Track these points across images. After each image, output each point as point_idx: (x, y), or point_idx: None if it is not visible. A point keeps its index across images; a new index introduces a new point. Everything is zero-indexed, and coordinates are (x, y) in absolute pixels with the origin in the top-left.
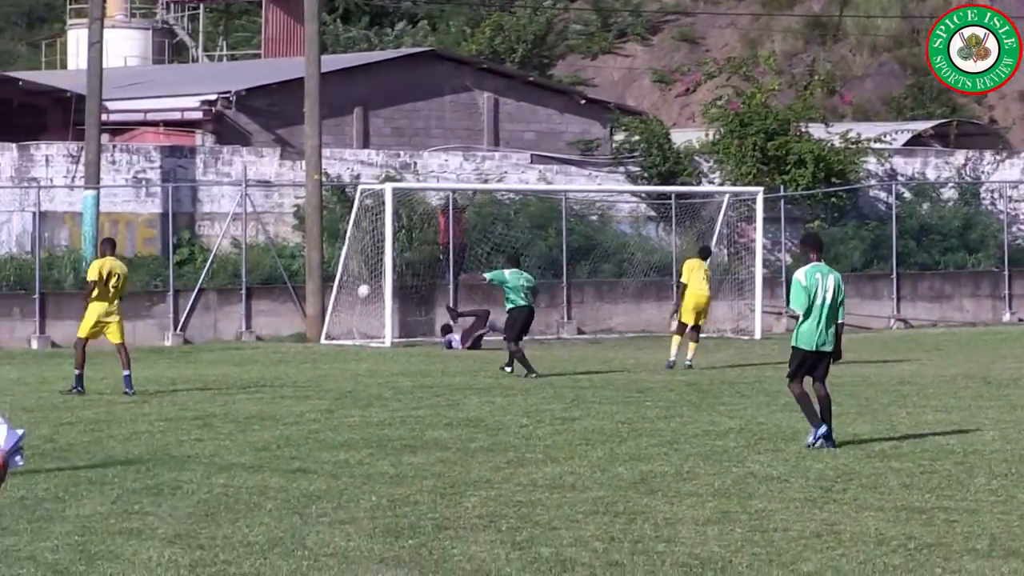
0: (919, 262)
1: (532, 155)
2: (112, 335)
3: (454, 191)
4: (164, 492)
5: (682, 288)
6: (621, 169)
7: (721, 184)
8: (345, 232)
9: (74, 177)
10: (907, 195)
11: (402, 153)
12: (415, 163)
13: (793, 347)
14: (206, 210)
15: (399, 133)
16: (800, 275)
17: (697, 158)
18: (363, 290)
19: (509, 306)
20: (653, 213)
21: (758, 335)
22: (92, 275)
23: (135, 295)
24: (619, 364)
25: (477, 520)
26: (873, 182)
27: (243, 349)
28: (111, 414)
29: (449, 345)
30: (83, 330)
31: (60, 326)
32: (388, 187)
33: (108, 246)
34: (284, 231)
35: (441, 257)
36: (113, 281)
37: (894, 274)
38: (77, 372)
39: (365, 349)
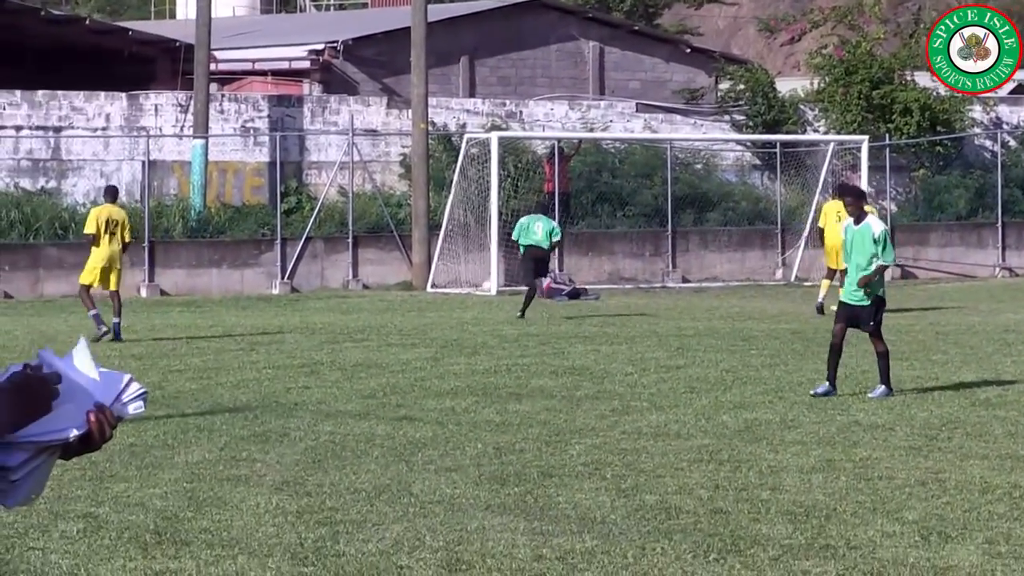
0: None
1: (637, 104)
2: (110, 283)
3: (559, 140)
4: (271, 439)
5: (820, 233)
6: (726, 118)
7: (826, 133)
8: (451, 181)
9: (183, 126)
10: (1012, 143)
11: (508, 102)
12: (521, 112)
13: (882, 298)
14: (313, 159)
15: (505, 82)
16: (885, 226)
17: (802, 107)
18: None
19: (523, 243)
20: (758, 162)
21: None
22: (90, 227)
23: (243, 243)
24: (724, 312)
25: (582, 468)
26: (978, 131)
27: (350, 297)
28: (219, 362)
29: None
30: (85, 277)
31: (169, 274)
32: (494, 136)
33: (109, 194)
34: (390, 180)
35: (546, 206)
36: (111, 228)
37: (999, 223)
38: (92, 313)
39: (471, 297)
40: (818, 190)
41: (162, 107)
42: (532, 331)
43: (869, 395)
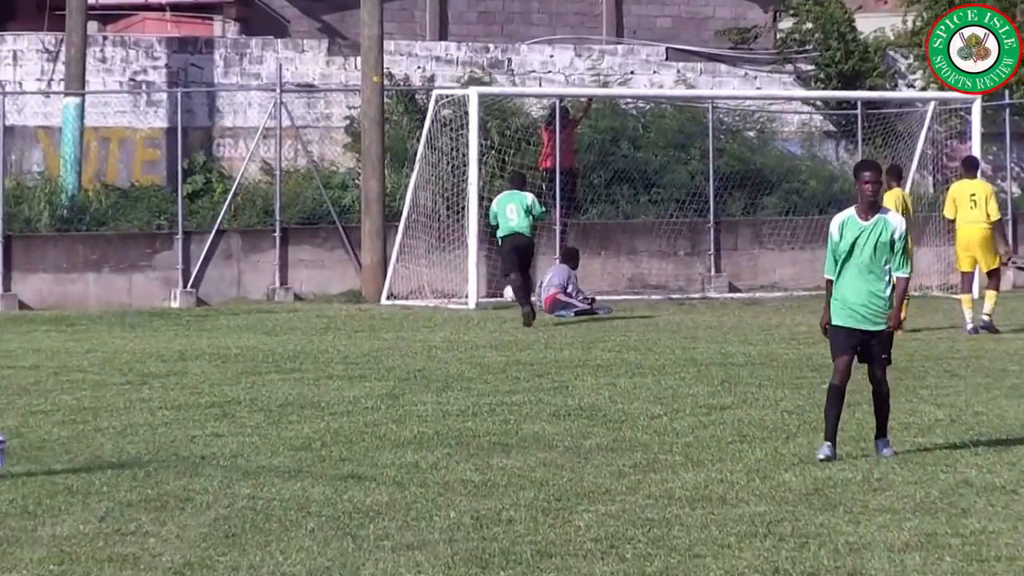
0: None
1: (668, 49)
2: None
3: (562, 98)
4: (170, 506)
5: (950, 225)
6: (788, 68)
7: (924, 88)
8: (414, 154)
9: (51, 80)
10: None
11: (492, 47)
12: (509, 60)
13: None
14: (227, 124)
15: (488, 20)
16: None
17: (891, 53)
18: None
19: (499, 235)
20: (832, 127)
21: (975, 292)
22: None
23: (132, 239)
24: (786, 332)
25: (593, 544)
26: None
27: (276, 312)
28: (99, 400)
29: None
30: None
31: (31, 281)
32: (472, 92)
33: None
34: (333, 152)
35: (544, 187)
36: None
37: None
38: None
39: (441, 312)
40: (913, 166)
41: (22, 54)
42: (524, 358)
43: (882, 453)
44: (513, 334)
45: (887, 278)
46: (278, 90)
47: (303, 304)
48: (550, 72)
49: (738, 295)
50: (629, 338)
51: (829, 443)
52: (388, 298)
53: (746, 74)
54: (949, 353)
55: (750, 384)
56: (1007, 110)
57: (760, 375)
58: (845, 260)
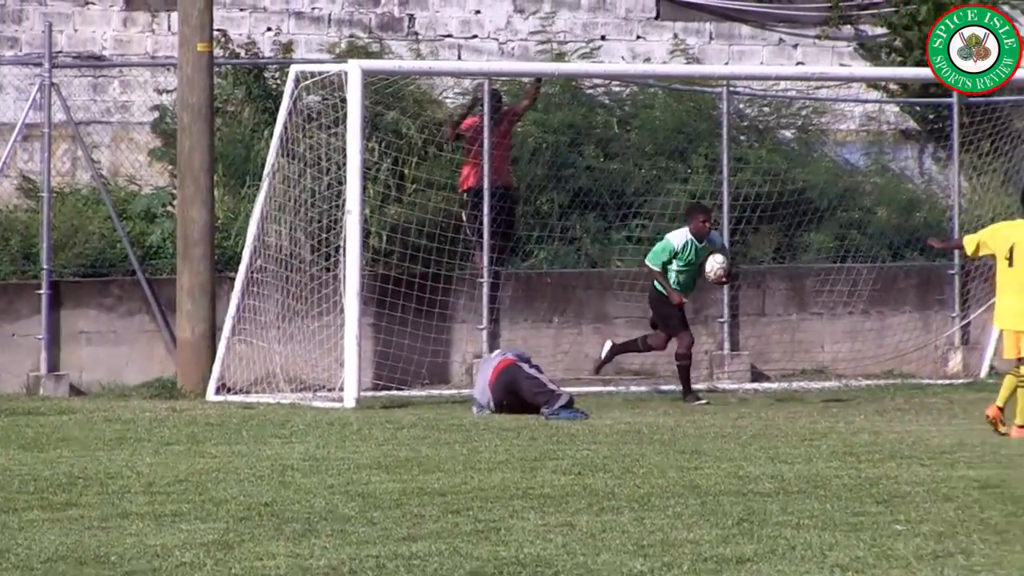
0: None
1: (660, 1)
2: None
3: (491, 78)
4: None
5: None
6: (847, 31)
7: None
8: (263, 164)
9: None
10: None
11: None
12: (410, 18)
13: None
14: None
15: None
16: None
17: (1007, 8)
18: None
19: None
20: (914, 124)
21: None
22: None
23: None
24: (838, 444)
25: None
26: None
27: (41, 414)
28: None
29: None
30: None
31: None
32: (353, 68)
33: None
34: (132, 162)
35: (464, 217)
36: None
37: None
38: None
39: (301, 413)
40: None
41: None
42: (432, 485)
43: None
44: (414, 447)
45: None
46: (46, 64)
47: (84, 401)
48: (475, 37)
49: (765, 385)
50: (595, 453)
51: None
52: (219, 391)
53: (781, 41)
54: None
55: (783, 524)
56: None
57: (798, 510)
58: None
